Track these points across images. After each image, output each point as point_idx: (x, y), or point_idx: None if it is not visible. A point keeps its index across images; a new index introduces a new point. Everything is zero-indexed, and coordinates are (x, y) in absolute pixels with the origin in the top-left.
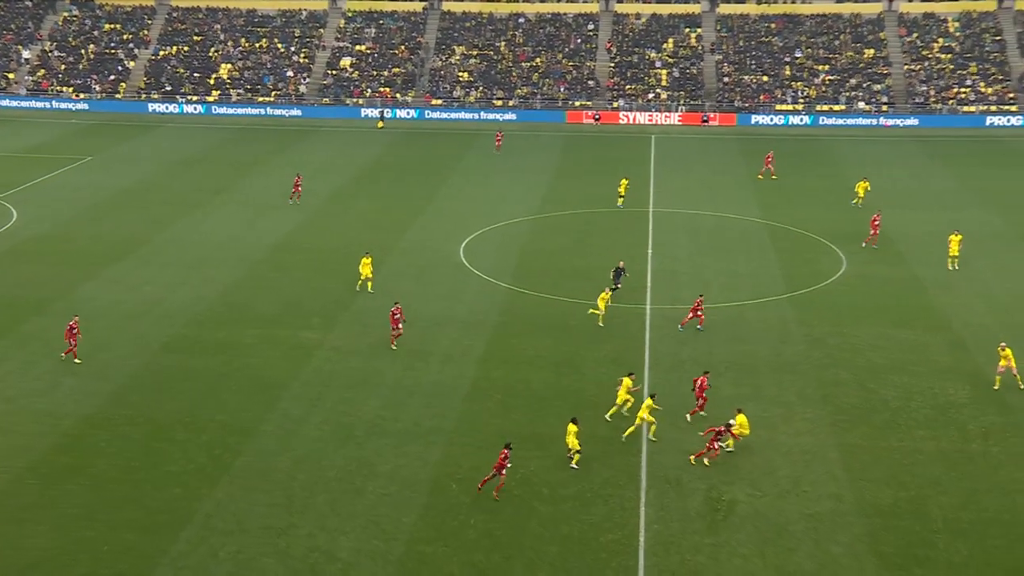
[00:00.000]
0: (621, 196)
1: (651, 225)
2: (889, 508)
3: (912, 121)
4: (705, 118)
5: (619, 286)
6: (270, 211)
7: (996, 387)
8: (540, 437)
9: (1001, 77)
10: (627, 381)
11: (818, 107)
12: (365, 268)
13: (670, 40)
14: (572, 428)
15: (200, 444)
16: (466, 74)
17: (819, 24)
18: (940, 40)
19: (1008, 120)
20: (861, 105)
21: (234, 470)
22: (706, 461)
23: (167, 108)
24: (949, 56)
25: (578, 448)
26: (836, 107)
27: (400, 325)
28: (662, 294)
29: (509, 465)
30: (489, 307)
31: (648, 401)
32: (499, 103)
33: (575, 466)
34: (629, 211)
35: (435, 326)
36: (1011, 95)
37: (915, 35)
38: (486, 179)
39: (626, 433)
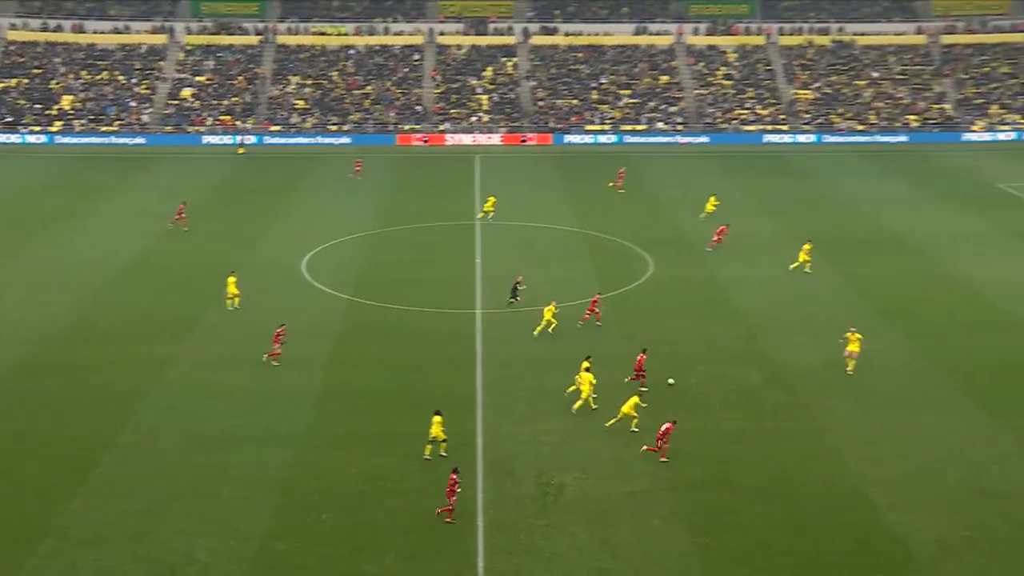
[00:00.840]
0: (486, 212)
1: (479, 237)
2: (698, 482)
3: (703, 139)
4: (523, 138)
5: (516, 299)
6: (119, 234)
7: (849, 370)
8: (386, 435)
9: (774, 101)
10: (584, 373)
11: (623, 127)
12: (231, 286)
13: (489, 68)
14: (437, 419)
15: (56, 458)
16: (302, 102)
17: (620, 54)
18: (722, 68)
19: (781, 138)
20: (660, 125)
21: (91, 482)
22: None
23: (8, 138)
24: (731, 83)
25: (444, 437)
26: (638, 127)
27: (279, 346)
28: (491, 299)
29: (460, 490)
30: (332, 317)
31: (586, 373)
32: (334, 128)
33: (444, 454)
34: (458, 225)
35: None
36: (782, 116)
37: (701, 64)
38: (325, 199)
39: (609, 423)
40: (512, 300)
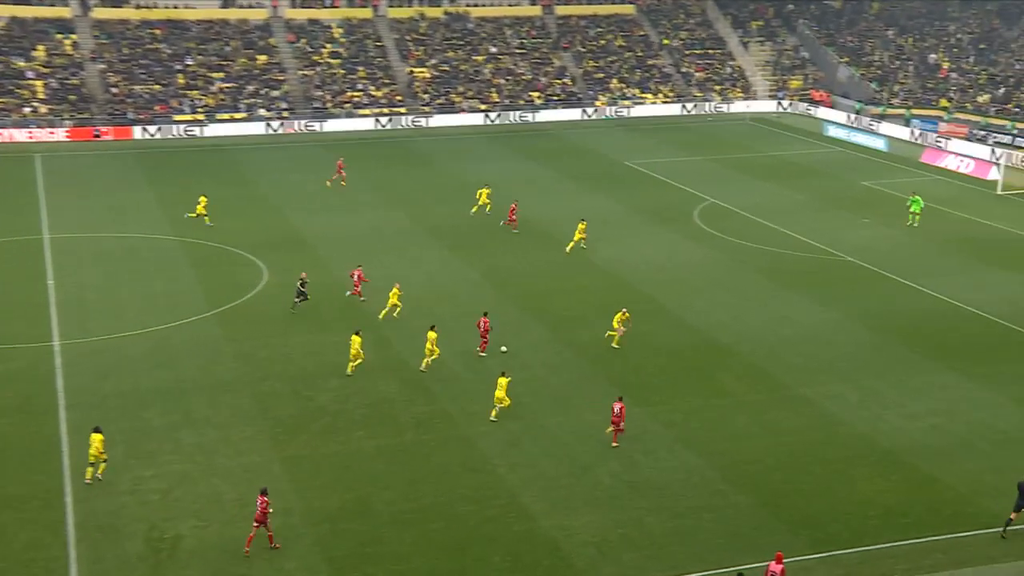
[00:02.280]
0: (197, 214)
1: (49, 253)
2: (336, 512)
3: (314, 126)
4: (97, 132)
5: (301, 300)
6: None
7: (616, 345)
8: None
9: (388, 81)
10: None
11: (219, 116)
12: None
13: (41, 47)
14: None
15: None
16: None
17: (207, 30)
18: (328, 46)
19: (401, 122)
20: (262, 112)
21: None
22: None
23: None
24: (339, 61)
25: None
26: (237, 115)
27: None
28: (72, 327)
29: (271, 511)
30: None
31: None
32: None
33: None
34: (20, 240)
35: None
36: (399, 97)
37: (303, 41)
38: None
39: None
40: (298, 301)
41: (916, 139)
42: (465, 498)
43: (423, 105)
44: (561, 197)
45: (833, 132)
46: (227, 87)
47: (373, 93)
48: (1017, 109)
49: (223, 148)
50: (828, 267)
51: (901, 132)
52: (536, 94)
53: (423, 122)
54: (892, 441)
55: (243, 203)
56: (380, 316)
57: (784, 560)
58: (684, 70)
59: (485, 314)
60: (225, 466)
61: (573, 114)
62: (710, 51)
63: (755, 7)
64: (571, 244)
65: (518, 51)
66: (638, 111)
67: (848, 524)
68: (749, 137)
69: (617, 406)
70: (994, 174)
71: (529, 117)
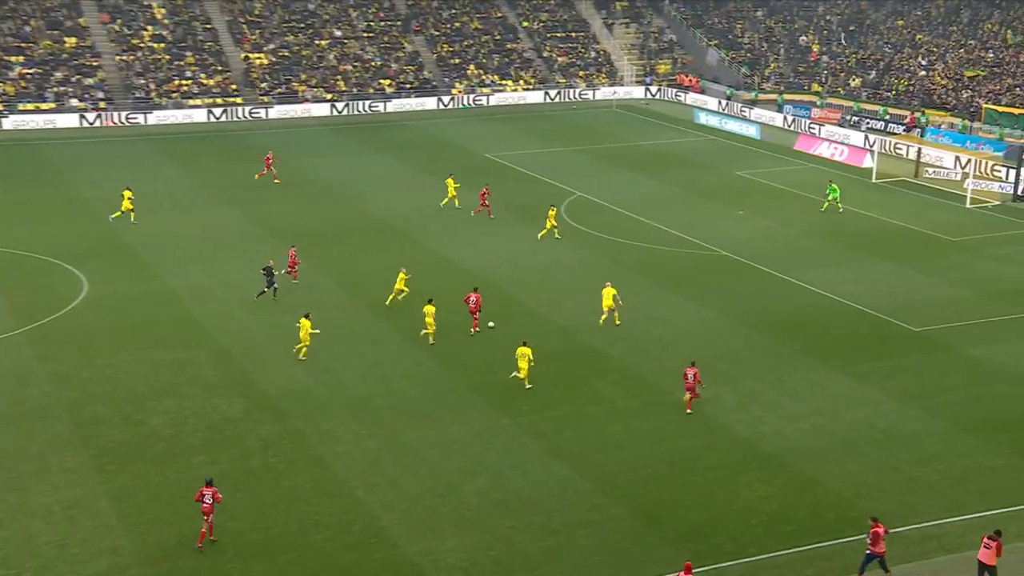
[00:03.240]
0: (123, 211)
1: None
2: (174, 549)
3: (137, 118)
4: None
5: (271, 287)
6: None
7: (613, 323)
8: None
9: (221, 68)
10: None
11: (21, 106)
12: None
13: None
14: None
15: None
16: None
17: (1, 7)
18: (149, 28)
19: (237, 113)
20: (74, 102)
21: None
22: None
23: None
24: (163, 46)
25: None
26: (44, 105)
27: None
28: None
29: (220, 499)
30: None
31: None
32: None
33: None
34: None
35: None
36: (234, 87)
37: (119, 21)
38: None
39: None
40: (268, 287)
41: (789, 126)
42: (320, 525)
43: (261, 95)
44: (417, 193)
45: (704, 119)
46: (29, 73)
47: (204, 81)
48: (888, 93)
49: (28, 143)
50: (703, 263)
51: (774, 118)
52: (387, 82)
53: (262, 113)
54: (773, 444)
55: (56, 205)
56: (387, 303)
57: (692, 571)
58: (546, 54)
59: (475, 289)
60: (42, 504)
61: (428, 103)
62: (573, 34)
63: None
64: (543, 232)
65: (365, 35)
66: (498, 99)
67: (731, 535)
68: (617, 125)
69: (691, 372)
70: (868, 162)
71: (380, 107)
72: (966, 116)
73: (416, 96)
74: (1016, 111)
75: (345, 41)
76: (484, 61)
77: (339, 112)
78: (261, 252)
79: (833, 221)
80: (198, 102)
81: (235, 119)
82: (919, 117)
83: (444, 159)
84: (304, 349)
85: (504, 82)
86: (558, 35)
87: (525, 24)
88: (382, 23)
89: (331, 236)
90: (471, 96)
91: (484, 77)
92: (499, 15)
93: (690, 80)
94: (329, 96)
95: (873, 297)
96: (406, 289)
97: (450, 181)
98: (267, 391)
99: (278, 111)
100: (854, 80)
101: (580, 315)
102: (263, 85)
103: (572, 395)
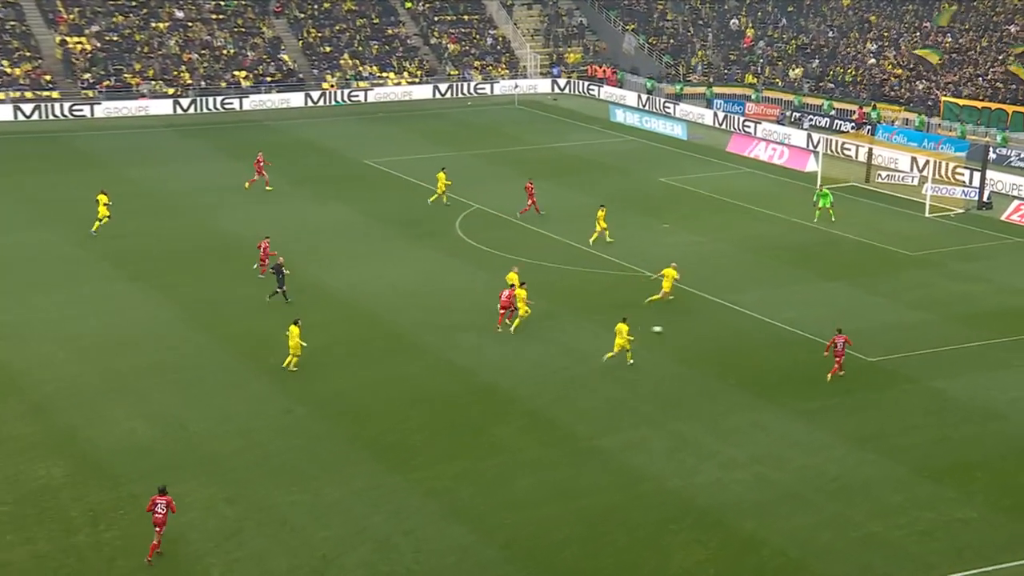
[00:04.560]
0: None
1: None
2: None
3: None
4: None
5: (283, 289)
6: None
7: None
8: None
9: (30, 55)
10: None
11: None
12: None
13: None
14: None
15: None
16: None
17: None
18: None
19: (54, 110)
20: None
21: None
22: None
23: None
24: None
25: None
26: None
27: None
28: None
29: (175, 510)
30: None
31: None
32: None
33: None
34: None
35: None
36: (48, 78)
37: None
38: None
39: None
40: (280, 289)
41: (720, 124)
42: None
43: (85, 88)
44: (280, 207)
45: (622, 117)
46: None
47: (9, 71)
48: (833, 85)
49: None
50: (622, 285)
51: (703, 115)
52: (242, 74)
53: (86, 111)
54: (710, 497)
55: None
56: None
57: None
58: (434, 41)
59: (512, 285)
60: None
61: (294, 99)
62: (465, 17)
63: None
64: (594, 235)
65: (214, 16)
66: (378, 94)
67: None
68: (519, 125)
69: (840, 340)
70: (812, 165)
71: (234, 104)
72: (923, 111)
73: (279, 91)
74: (979, 104)
75: (189, 24)
76: (360, 49)
77: (184, 110)
78: (89, 282)
79: (772, 234)
80: (1, 96)
81: (52, 117)
82: (869, 112)
83: (314, 166)
84: (294, 360)
85: (385, 74)
86: (448, 18)
87: (408, 5)
88: (235, 2)
89: (176, 259)
90: (346, 91)
91: (361, 68)
92: None
93: (604, 71)
94: (171, 91)
95: (821, 323)
96: (528, 310)
97: (441, 175)
98: (97, 450)
99: (107, 108)
100: (794, 70)
101: (480, 350)
102: (86, 76)
103: (472, 445)
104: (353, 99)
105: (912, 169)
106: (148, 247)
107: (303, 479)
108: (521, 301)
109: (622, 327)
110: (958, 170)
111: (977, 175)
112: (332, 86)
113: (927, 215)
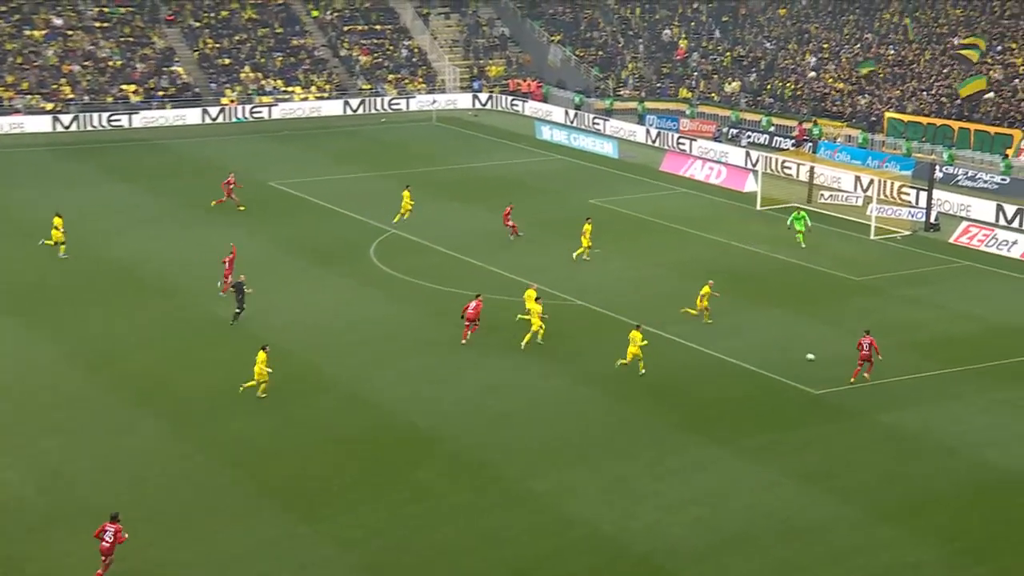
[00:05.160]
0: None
1: None
2: None
3: None
4: None
5: (242, 309)
6: None
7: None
8: None
9: None
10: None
11: None
12: None
13: None
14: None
15: None
16: None
17: None
18: None
19: None
20: None
21: None
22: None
23: None
24: None
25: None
26: None
27: None
28: None
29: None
30: None
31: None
32: None
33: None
34: None
35: None
36: None
37: None
38: None
39: None
40: (239, 310)
41: (653, 141)
42: None
43: None
44: (178, 234)
45: (548, 134)
46: None
47: None
48: (772, 100)
49: None
50: (553, 315)
51: (634, 132)
52: (131, 88)
53: None
54: (647, 543)
55: None
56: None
57: None
58: (344, 53)
59: (477, 296)
60: None
61: (190, 116)
62: (378, 27)
63: None
64: (579, 251)
65: (98, 25)
66: (283, 110)
67: None
68: (438, 143)
69: (867, 341)
70: (751, 184)
71: (123, 121)
72: (866, 127)
73: (173, 107)
74: (924, 120)
75: (69, 32)
76: (263, 62)
77: (66, 128)
78: None
79: (711, 259)
80: None
81: None
82: (810, 129)
83: (213, 188)
84: (261, 387)
85: (290, 89)
86: (359, 28)
87: (315, 14)
88: (121, 9)
89: (58, 292)
90: (247, 107)
91: (264, 82)
92: (280, 1)
93: (529, 85)
94: (50, 106)
95: (763, 353)
96: (543, 325)
97: (406, 193)
98: None
99: None
100: (730, 84)
101: (398, 386)
102: None
103: (390, 491)
104: (256, 116)
105: (856, 189)
106: (22, 276)
107: (201, 532)
108: (536, 316)
109: (635, 335)
110: (904, 190)
111: (924, 195)
112: (232, 101)
113: (872, 237)
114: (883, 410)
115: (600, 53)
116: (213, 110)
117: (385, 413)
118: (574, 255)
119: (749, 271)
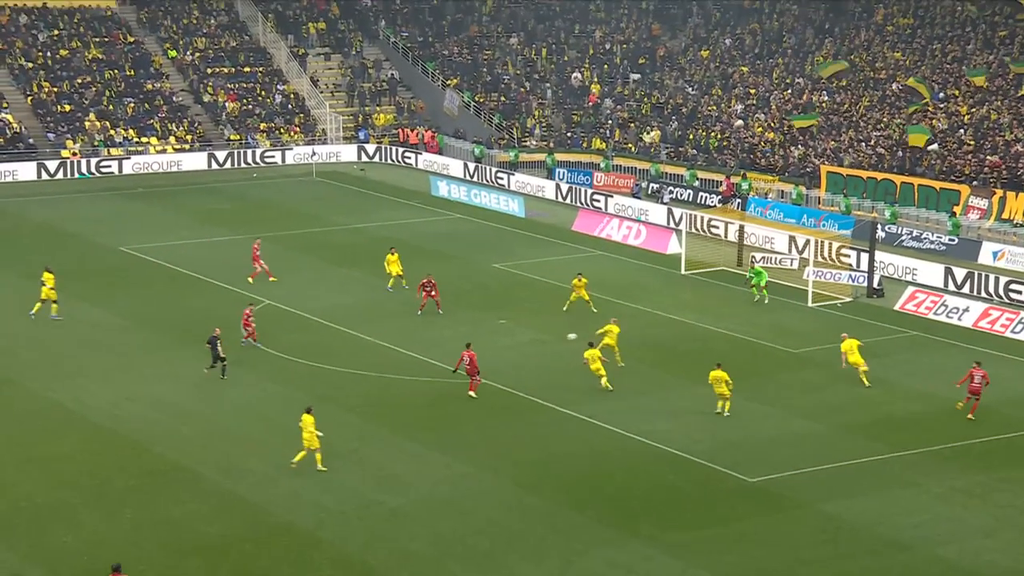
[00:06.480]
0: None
1: None
2: None
3: None
4: None
5: (219, 362)
6: None
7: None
8: None
9: None
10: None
11: None
12: None
13: None
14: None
15: None
16: None
17: None
18: None
19: None
20: None
21: None
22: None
23: None
24: None
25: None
26: None
27: None
28: None
29: None
30: None
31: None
32: None
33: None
34: None
35: None
36: None
37: None
38: None
39: None
40: (219, 361)
41: (564, 198)
42: None
43: None
44: (9, 309)
45: (445, 190)
46: None
47: None
48: (696, 151)
49: None
50: (450, 395)
51: (543, 187)
52: None
53: None
54: None
55: None
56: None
57: None
58: (208, 99)
59: (468, 346)
60: None
61: (22, 171)
62: (247, 69)
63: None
64: (568, 304)
65: None
66: (137, 164)
67: None
68: (319, 201)
69: (979, 373)
70: (675, 246)
71: None
72: (800, 181)
73: (2, 160)
74: (864, 174)
75: None
76: (111, 108)
77: None
78: None
79: (631, 331)
80: None
81: None
82: (739, 184)
83: (55, 255)
84: (318, 457)
85: (145, 139)
86: (224, 70)
87: (173, 54)
88: None
89: None
90: (93, 160)
91: (112, 132)
92: (131, 40)
93: (421, 135)
94: None
95: (692, 436)
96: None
97: (392, 257)
98: None
99: None
100: (649, 133)
101: (274, 482)
102: None
103: None
104: (104, 170)
105: (790, 250)
106: None
107: None
108: (598, 361)
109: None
110: (843, 251)
111: (865, 257)
112: (75, 154)
113: (810, 304)
114: (827, 499)
115: (503, 99)
116: (52, 164)
117: (258, 512)
118: (564, 308)
119: (673, 343)
